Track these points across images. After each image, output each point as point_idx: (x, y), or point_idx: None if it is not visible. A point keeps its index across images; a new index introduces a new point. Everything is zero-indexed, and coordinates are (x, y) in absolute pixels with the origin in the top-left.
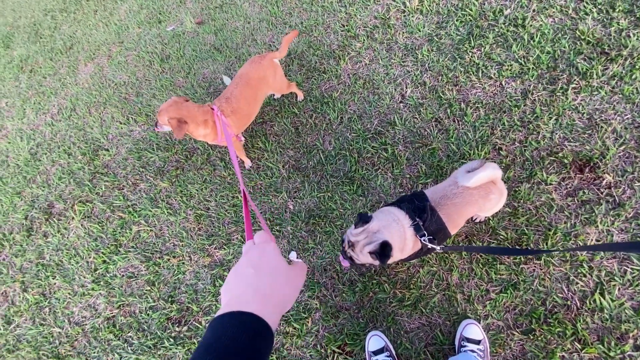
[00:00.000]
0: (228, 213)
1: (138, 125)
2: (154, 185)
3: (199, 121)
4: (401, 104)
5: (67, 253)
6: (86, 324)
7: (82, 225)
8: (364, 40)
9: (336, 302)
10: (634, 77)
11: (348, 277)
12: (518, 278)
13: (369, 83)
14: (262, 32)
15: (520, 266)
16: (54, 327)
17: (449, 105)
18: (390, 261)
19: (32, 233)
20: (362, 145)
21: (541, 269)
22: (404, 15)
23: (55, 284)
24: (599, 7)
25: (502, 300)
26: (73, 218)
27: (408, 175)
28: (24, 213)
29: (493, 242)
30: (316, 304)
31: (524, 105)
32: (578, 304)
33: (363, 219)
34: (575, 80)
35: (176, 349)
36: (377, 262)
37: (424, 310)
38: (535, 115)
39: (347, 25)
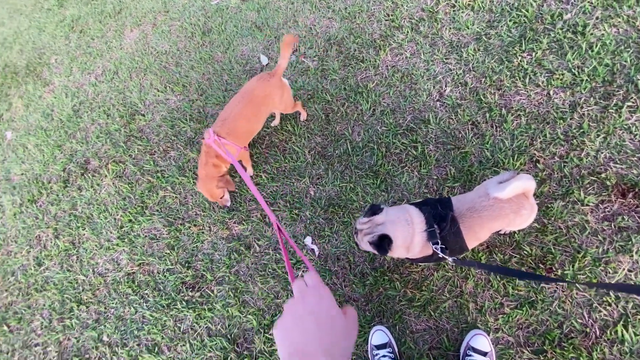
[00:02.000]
0: (250, 191)
1: (174, 95)
2: (184, 155)
3: (216, 168)
4: (438, 103)
5: (98, 208)
6: (108, 276)
7: (113, 183)
8: (408, 32)
9: (345, 292)
10: None
11: (360, 269)
12: (537, 297)
13: (407, 77)
14: (304, 14)
15: (541, 285)
16: (79, 275)
17: (488, 109)
18: (393, 255)
19: (68, 185)
20: (391, 140)
21: (563, 292)
22: (454, 10)
23: (84, 235)
24: None
25: (516, 316)
26: (106, 176)
27: (435, 177)
28: (63, 165)
29: (515, 257)
30: None
31: (570, 119)
32: (597, 333)
33: (372, 210)
34: (632, 98)
35: (187, 312)
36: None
37: (432, 314)
38: (581, 130)
39: (392, 15)
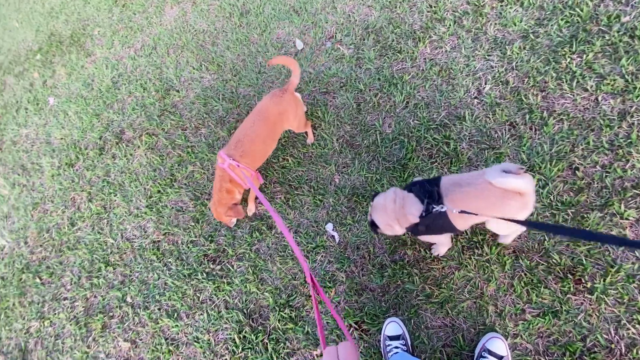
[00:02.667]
0: (276, 172)
1: (209, 73)
2: (214, 133)
3: (229, 194)
4: (475, 100)
5: (129, 176)
6: (135, 242)
7: (145, 154)
8: (450, 25)
9: (362, 281)
10: None
11: (379, 260)
12: (561, 307)
13: (445, 71)
14: (343, 0)
15: (568, 295)
16: (108, 238)
17: (529, 110)
18: (387, 233)
19: (103, 152)
20: (423, 135)
21: (591, 305)
22: (501, 5)
23: (115, 201)
24: None
25: (537, 324)
26: (139, 147)
27: None
28: (99, 133)
29: (543, 264)
30: (342, 278)
31: (618, 128)
32: (623, 350)
33: (373, 197)
34: None
35: (207, 283)
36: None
37: (450, 312)
38: (629, 141)
39: (434, 7)
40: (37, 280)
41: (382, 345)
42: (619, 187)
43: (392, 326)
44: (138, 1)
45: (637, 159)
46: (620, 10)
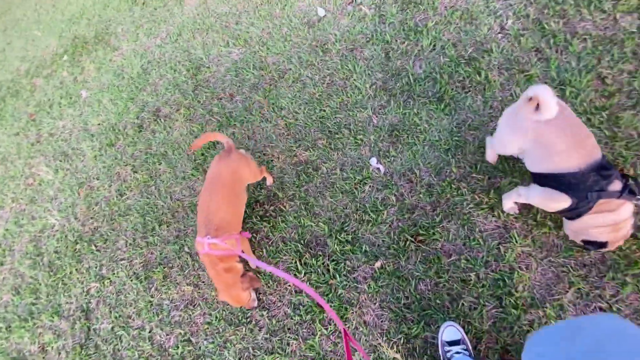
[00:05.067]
0: (315, 123)
1: (237, 48)
2: (249, 98)
3: (230, 272)
4: (499, 35)
5: (172, 146)
6: (185, 201)
7: (185, 125)
8: None
9: (412, 202)
10: None
11: (426, 181)
12: None
13: (466, 14)
14: None
15: None
16: (158, 200)
17: (552, 36)
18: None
19: (142, 129)
20: (454, 69)
21: None
22: None
23: (160, 168)
24: None
25: None
26: (177, 120)
27: (500, 98)
28: (136, 114)
29: None
30: (393, 201)
31: (639, 38)
32: None
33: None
34: None
35: (262, 224)
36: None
37: (501, 215)
38: None
39: None
40: (92, 247)
41: (440, 352)
42: None
43: (450, 331)
44: None
45: None
46: None
